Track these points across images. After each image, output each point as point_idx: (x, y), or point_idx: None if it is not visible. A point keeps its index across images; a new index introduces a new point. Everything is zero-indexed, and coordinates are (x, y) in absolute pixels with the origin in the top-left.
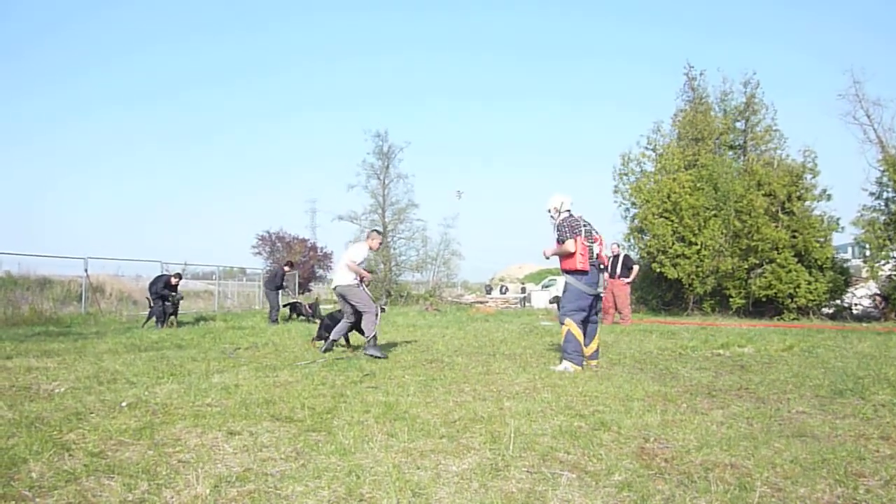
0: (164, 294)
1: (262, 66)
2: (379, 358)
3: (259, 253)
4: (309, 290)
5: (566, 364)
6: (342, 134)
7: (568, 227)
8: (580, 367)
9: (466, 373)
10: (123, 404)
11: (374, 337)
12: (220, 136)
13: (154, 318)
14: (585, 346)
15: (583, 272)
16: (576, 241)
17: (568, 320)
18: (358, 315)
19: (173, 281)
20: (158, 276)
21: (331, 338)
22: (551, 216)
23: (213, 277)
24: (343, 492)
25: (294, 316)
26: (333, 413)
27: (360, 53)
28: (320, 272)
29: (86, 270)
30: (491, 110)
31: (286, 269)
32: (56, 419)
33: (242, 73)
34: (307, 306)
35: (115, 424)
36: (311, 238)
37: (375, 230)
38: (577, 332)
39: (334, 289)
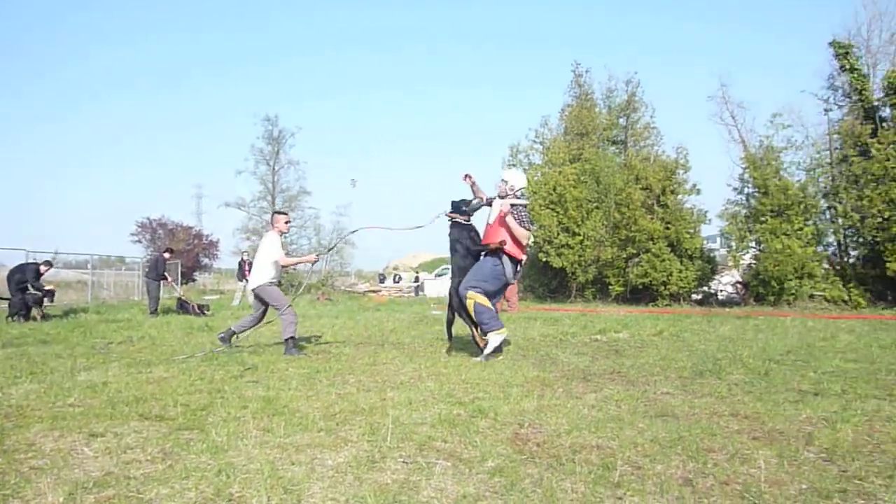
0: (25, 285)
1: (143, 38)
2: (301, 357)
3: (139, 241)
4: (193, 280)
5: (492, 337)
6: (231, 117)
7: (527, 217)
8: (504, 328)
9: (352, 364)
10: None
11: (293, 338)
12: (93, 112)
13: (20, 316)
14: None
15: (518, 261)
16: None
17: (471, 292)
18: (263, 313)
19: (42, 269)
20: (22, 265)
21: (232, 328)
22: (507, 192)
23: (88, 266)
24: (211, 492)
25: (179, 312)
26: (208, 410)
27: (253, 40)
28: (206, 261)
29: None
30: (385, 99)
31: (166, 256)
32: None
33: (122, 46)
34: (195, 306)
35: None
36: (197, 225)
37: (277, 211)
38: (484, 299)
39: (252, 290)
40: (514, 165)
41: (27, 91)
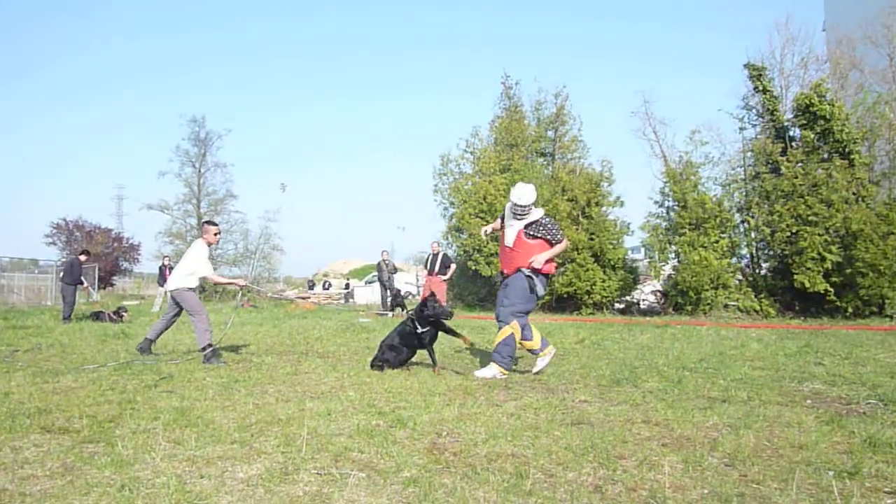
0: None
1: (62, 41)
2: (220, 366)
3: (53, 243)
4: (112, 285)
5: (493, 370)
6: (154, 117)
7: (555, 227)
8: (507, 372)
9: (273, 373)
10: None
11: (210, 345)
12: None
13: None
14: (528, 339)
15: (546, 274)
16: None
17: (514, 322)
18: (177, 315)
19: None
20: None
21: (147, 337)
22: (523, 212)
23: None
24: None
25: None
26: (117, 421)
27: (183, 37)
28: (125, 265)
29: None
30: (317, 105)
31: (82, 258)
32: None
33: (42, 47)
34: (110, 314)
35: None
36: (117, 228)
37: (207, 221)
38: (518, 332)
39: (169, 291)
40: (525, 182)
41: None
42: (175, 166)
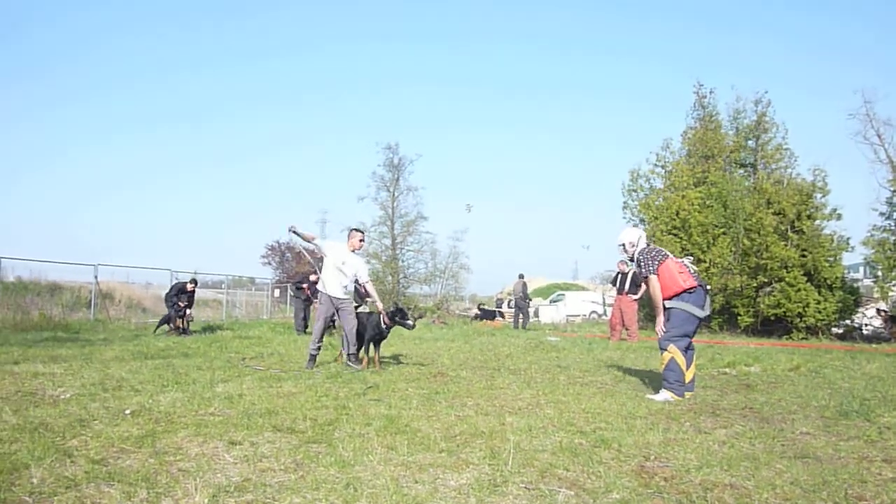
0: (175, 301)
1: (277, 80)
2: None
3: (268, 263)
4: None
5: (665, 394)
6: (355, 145)
7: (647, 263)
8: (681, 398)
9: (470, 387)
10: (127, 412)
11: (312, 355)
12: (229, 145)
13: (166, 324)
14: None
15: (689, 290)
16: (660, 267)
17: (672, 346)
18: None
19: (189, 287)
20: (175, 284)
21: (346, 351)
22: (632, 252)
23: (223, 286)
24: None
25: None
26: (335, 425)
27: (377, 73)
28: None
29: (95, 277)
30: (502, 124)
31: (312, 278)
32: (59, 425)
33: (257, 87)
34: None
35: (117, 432)
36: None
37: (356, 229)
38: (681, 360)
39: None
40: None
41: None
42: (372, 191)
